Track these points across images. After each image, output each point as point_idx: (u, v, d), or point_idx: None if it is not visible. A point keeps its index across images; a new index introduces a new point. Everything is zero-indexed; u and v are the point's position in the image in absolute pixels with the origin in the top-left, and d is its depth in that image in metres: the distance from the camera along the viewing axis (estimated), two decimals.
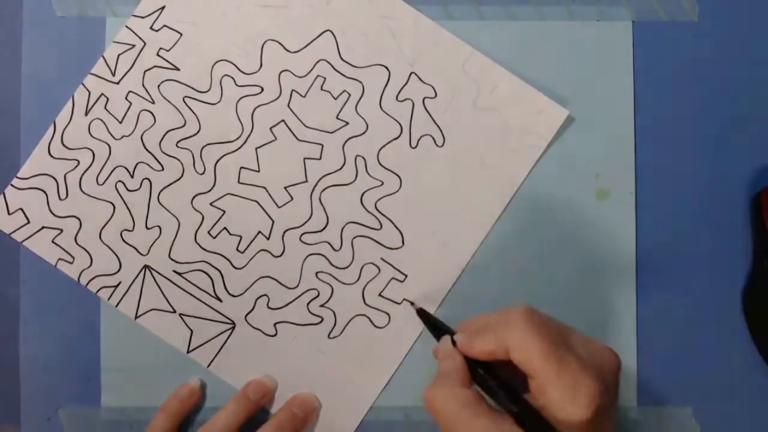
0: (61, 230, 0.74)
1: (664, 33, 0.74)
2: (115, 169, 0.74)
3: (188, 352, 0.74)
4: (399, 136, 0.73)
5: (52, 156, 0.74)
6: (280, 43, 0.74)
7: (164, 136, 0.74)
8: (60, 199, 0.74)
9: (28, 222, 0.74)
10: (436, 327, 0.69)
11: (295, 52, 0.74)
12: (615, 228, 0.74)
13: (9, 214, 0.74)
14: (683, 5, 0.74)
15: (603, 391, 0.58)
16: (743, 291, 0.73)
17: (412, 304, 0.73)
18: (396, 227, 0.73)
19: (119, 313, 0.74)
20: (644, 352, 0.73)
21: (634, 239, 0.73)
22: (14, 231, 0.74)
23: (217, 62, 0.74)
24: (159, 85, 0.74)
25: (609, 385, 0.60)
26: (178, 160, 0.74)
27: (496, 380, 0.63)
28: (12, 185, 0.74)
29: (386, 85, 0.73)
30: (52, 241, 0.74)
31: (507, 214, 0.74)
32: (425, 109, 0.73)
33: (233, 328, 0.74)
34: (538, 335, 0.60)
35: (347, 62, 0.73)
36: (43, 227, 0.74)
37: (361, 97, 0.73)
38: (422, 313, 0.71)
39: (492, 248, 0.74)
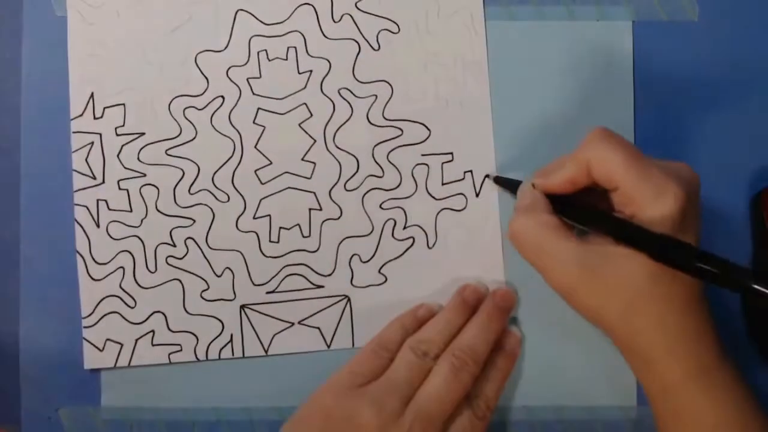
0: (154, 332, 0.74)
1: (664, 33, 0.74)
2: (157, 249, 0.74)
3: (329, 347, 0.74)
4: None
5: (95, 279, 0.74)
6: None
7: (174, 194, 0.74)
8: (131, 307, 0.74)
9: (121, 345, 0.74)
10: (515, 186, 0.71)
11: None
12: None
13: (101, 351, 0.74)
14: (683, 5, 0.74)
15: (686, 195, 0.60)
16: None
17: (487, 176, 0.74)
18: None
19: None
20: None
21: None
22: (117, 360, 0.74)
23: (172, 101, 0.74)
24: (138, 157, 0.74)
25: (691, 192, 0.61)
26: (202, 204, 0.74)
27: (580, 207, 0.65)
28: (84, 326, 0.74)
29: None
30: (152, 344, 0.74)
31: (507, 214, 0.74)
32: None
33: (348, 298, 0.74)
34: (618, 146, 0.62)
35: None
36: (135, 340, 0.74)
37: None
38: (499, 180, 0.73)
39: None
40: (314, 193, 0.74)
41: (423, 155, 0.74)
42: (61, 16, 0.75)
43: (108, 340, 0.74)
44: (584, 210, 0.64)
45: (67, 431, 0.74)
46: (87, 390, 0.74)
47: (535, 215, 0.64)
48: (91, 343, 0.74)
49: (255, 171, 0.74)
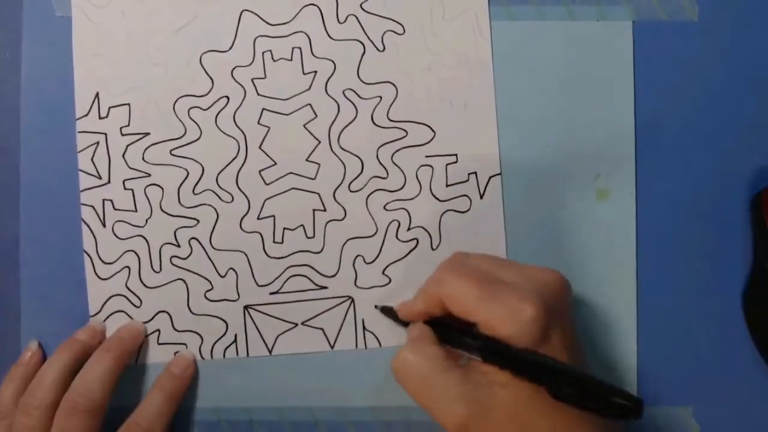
0: (159, 332, 0.74)
1: (664, 33, 0.74)
2: (161, 249, 0.74)
3: (333, 347, 0.74)
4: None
5: (102, 278, 0.74)
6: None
7: (178, 195, 0.74)
8: (137, 306, 0.74)
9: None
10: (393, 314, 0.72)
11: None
12: (615, 228, 0.73)
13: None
14: (683, 5, 0.74)
15: (544, 311, 0.59)
16: (743, 291, 0.73)
17: (375, 307, 0.74)
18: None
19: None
20: (644, 352, 0.72)
21: (634, 239, 0.73)
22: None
23: (177, 101, 0.74)
24: (143, 157, 0.74)
25: (551, 303, 0.61)
26: (206, 205, 0.74)
27: (456, 329, 0.64)
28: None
29: None
30: (158, 343, 0.74)
31: (511, 216, 0.74)
32: None
33: (352, 299, 0.74)
34: (466, 279, 0.62)
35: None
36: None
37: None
38: (385, 310, 0.73)
39: None
40: (318, 194, 0.74)
41: (427, 157, 0.74)
42: (61, 16, 0.74)
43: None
44: (457, 332, 0.64)
45: None
46: None
47: (419, 348, 0.64)
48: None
49: (259, 171, 0.74)
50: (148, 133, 0.74)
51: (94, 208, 0.74)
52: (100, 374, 0.69)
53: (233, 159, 0.74)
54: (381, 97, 0.74)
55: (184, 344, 0.74)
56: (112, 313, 0.74)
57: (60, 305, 0.73)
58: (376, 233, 0.74)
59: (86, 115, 0.74)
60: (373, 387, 0.74)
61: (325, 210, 0.74)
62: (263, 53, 0.74)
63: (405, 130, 0.74)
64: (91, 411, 0.67)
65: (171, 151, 0.74)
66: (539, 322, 0.59)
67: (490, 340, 0.60)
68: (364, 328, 0.74)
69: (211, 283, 0.74)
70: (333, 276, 0.74)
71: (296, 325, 0.74)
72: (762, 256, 0.71)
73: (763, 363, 0.72)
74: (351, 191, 0.74)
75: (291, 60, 0.74)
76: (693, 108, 0.74)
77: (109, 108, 0.74)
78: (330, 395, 0.74)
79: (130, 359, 0.72)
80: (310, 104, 0.74)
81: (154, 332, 0.74)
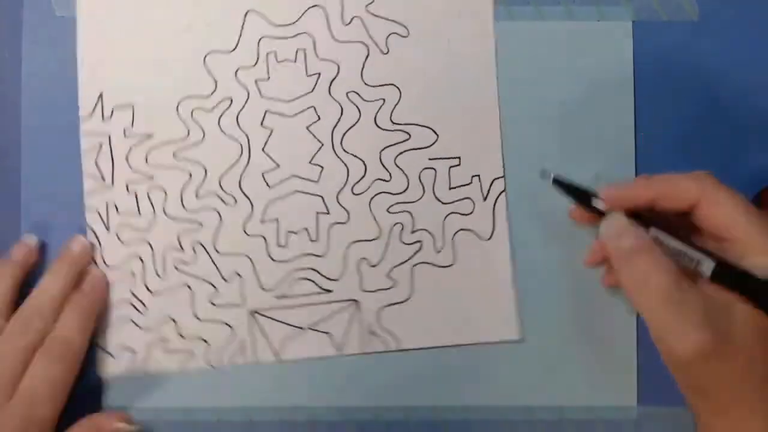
0: (166, 339, 0.74)
1: (664, 33, 0.74)
2: (165, 253, 0.74)
3: (340, 351, 0.74)
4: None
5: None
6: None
7: (182, 198, 0.74)
8: (142, 313, 0.74)
9: (134, 352, 0.74)
10: (579, 191, 0.66)
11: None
12: None
13: (114, 357, 0.74)
14: (683, 5, 0.74)
15: None
16: None
17: (544, 172, 0.67)
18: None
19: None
20: (644, 352, 0.73)
21: None
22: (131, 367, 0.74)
23: (180, 102, 0.74)
24: (146, 159, 0.74)
25: None
26: (209, 208, 0.74)
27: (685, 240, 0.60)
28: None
29: None
30: (164, 351, 0.74)
31: (514, 217, 0.74)
32: None
33: (357, 303, 0.74)
34: (737, 196, 0.59)
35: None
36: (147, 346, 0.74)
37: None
38: (561, 184, 0.67)
39: None
40: (322, 196, 0.74)
41: (430, 159, 0.74)
42: (61, 16, 0.74)
43: (120, 346, 0.73)
44: (689, 244, 0.60)
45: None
46: (87, 390, 0.74)
47: (660, 262, 0.58)
48: (104, 350, 0.73)
49: (262, 174, 0.74)
50: (152, 135, 0.74)
51: (99, 213, 0.73)
52: (49, 295, 0.70)
53: (236, 161, 0.74)
54: (384, 100, 0.74)
55: (191, 352, 0.73)
56: (117, 320, 0.73)
57: None
58: (379, 236, 0.74)
59: (90, 117, 0.73)
60: (374, 387, 0.74)
61: (328, 213, 0.74)
62: (267, 54, 0.74)
63: (408, 133, 0.74)
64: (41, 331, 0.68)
65: (174, 153, 0.73)
66: None
67: (729, 265, 0.58)
68: (370, 331, 0.74)
69: (216, 288, 0.74)
70: (337, 279, 0.74)
71: (303, 329, 0.74)
72: None
73: None
74: (354, 194, 0.74)
75: (295, 62, 0.74)
76: (693, 108, 0.74)
77: (113, 109, 0.73)
78: (331, 396, 0.74)
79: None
80: (313, 106, 0.74)
81: (160, 340, 0.73)
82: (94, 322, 0.71)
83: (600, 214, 0.64)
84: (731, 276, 0.57)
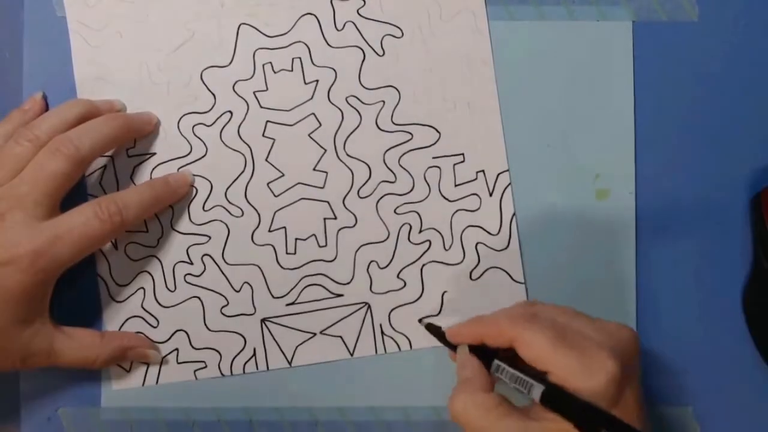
0: (178, 351, 0.74)
1: (664, 33, 0.74)
2: (175, 267, 0.74)
3: (352, 354, 0.75)
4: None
5: (117, 301, 0.74)
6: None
7: (189, 212, 0.74)
8: (153, 327, 0.74)
9: (147, 365, 0.75)
10: (439, 333, 0.71)
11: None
12: (615, 228, 0.74)
13: (128, 371, 0.74)
14: (683, 5, 0.74)
15: (622, 370, 0.59)
16: (743, 290, 0.74)
17: (420, 321, 0.74)
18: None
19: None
20: (644, 351, 0.74)
21: (634, 239, 0.74)
22: (144, 380, 0.75)
23: (181, 119, 0.74)
24: (151, 177, 0.74)
25: (627, 363, 0.60)
26: (216, 221, 0.74)
27: (517, 368, 0.63)
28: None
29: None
30: (177, 362, 0.75)
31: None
32: None
33: (368, 305, 0.75)
34: (542, 327, 0.61)
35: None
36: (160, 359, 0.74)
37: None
38: (431, 328, 0.72)
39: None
40: (328, 202, 0.74)
41: (434, 158, 0.74)
42: (62, 17, 0.74)
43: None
44: (521, 370, 0.63)
45: (67, 431, 0.74)
46: (87, 390, 0.75)
47: (473, 394, 0.62)
48: (118, 364, 0.74)
49: (267, 184, 0.74)
50: (155, 153, 0.74)
51: None
52: (96, 131, 0.69)
53: (241, 173, 0.74)
54: (384, 102, 0.74)
55: (203, 362, 0.74)
56: None
57: (58, 304, 0.72)
58: (388, 238, 0.75)
59: None
60: (374, 387, 0.75)
61: (335, 218, 0.74)
62: (263, 65, 0.74)
63: (410, 133, 0.74)
64: (74, 158, 0.66)
65: (178, 169, 0.74)
66: (617, 381, 0.58)
67: (557, 389, 0.59)
68: (382, 333, 0.75)
69: (226, 298, 0.74)
70: (348, 283, 0.75)
71: (314, 334, 0.75)
72: (762, 255, 0.72)
73: (763, 363, 0.74)
74: (360, 197, 0.74)
75: (292, 71, 0.74)
76: (693, 108, 0.74)
77: None
78: (331, 396, 0.75)
79: (132, 136, 0.73)
80: (313, 113, 0.74)
81: (172, 352, 0.74)
82: (156, 211, 0.73)
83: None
84: (558, 399, 0.59)
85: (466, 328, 0.67)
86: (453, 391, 0.63)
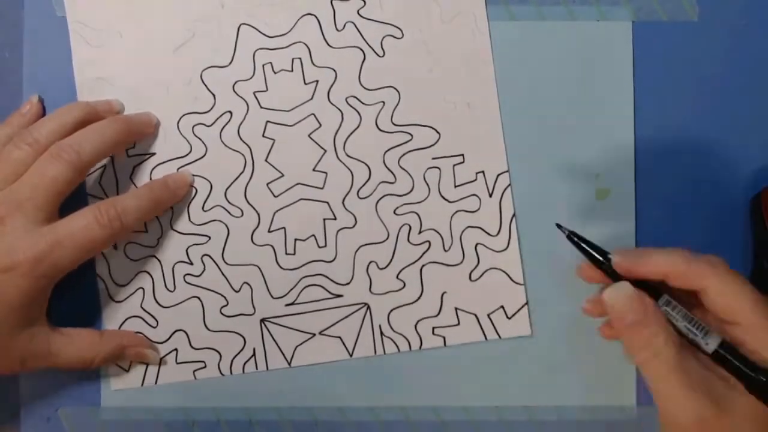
0: (177, 351, 0.75)
1: (664, 33, 0.74)
2: (174, 267, 0.74)
3: (352, 355, 0.75)
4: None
5: (116, 301, 0.75)
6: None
7: (188, 212, 0.74)
8: (153, 326, 0.75)
9: (147, 364, 0.75)
10: (591, 251, 0.65)
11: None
12: (615, 228, 0.74)
13: (127, 371, 0.75)
14: (683, 5, 0.74)
15: None
16: None
17: (560, 227, 0.68)
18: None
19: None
20: None
21: (634, 239, 0.74)
22: (143, 380, 0.75)
23: (180, 119, 0.74)
24: (150, 177, 0.75)
25: None
26: (216, 221, 0.74)
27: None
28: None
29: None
30: (176, 362, 0.75)
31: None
32: None
33: (367, 306, 0.75)
34: (746, 283, 0.60)
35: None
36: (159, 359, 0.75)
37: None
38: (574, 238, 0.67)
39: None
40: (327, 202, 0.74)
41: (434, 159, 0.74)
42: (62, 17, 0.74)
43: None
44: (694, 323, 0.61)
45: (67, 431, 0.74)
46: (87, 390, 0.75)
47: (666, 333, 0.60)
48: (117, 364, 0.74)
49: (267, 184, 0.74)
50: (154, 153, 0.74)
51: None
52: (97, 136, 0.69)
53: (240, 173, 0.74)
54: (384, 102, 0.74)
55: (203, 362, 0.74)
56: None
57: (58, 304, 0.72)
58: (387, 238, 0.74)
59: None
60: (374, 387, 0.75)
61: (335, 218, 0.74)
62: (263, 66, 0.74)
63: (410, 134, 0.74)
64: (75, 165, 0.67)
65: (178, 169, 0.74)
66: None
67: (739, 354, 0.59)
68: (381, 333, 0.74)
69: (226, 298, 0.74)
70: (347, 284, 0.75)
71: (314, 335, 0.74)
72: (762, 256, 0.71)
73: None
74: (360, 198, 0.74)
75: (292, 71, 0.74)
76: (693, 108, 0.74)
77: None
78: (331, 396, 0.75)
79: (133, 139, 0.73)
80: (313, 114, 0.74)
81: (171, 352, 0.74)
82: (156, 214, 0.73)
83: (608, 275, 0.65)
84: (732, 358, 0.59)
85: (647, 264, 0.62)
86: (621, 330, 0.62)
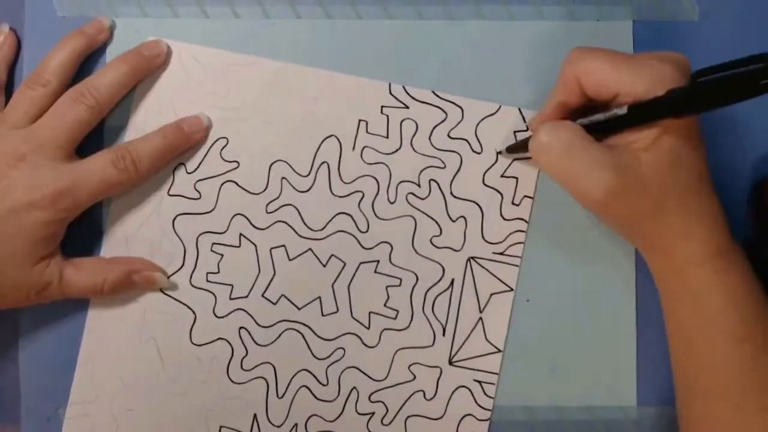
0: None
1: (664, 33, 0.75)
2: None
3: None
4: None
5: None
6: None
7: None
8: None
9: None
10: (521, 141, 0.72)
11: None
12: None
13: None
14: (683, 5, 0.74)
15: (682, 76, 0.62)
16: None
17: (499, 153, 0.75)
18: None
19: None
20: (644, 351, 0.74)
21: None
22: None
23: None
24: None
25: (686, 73, 0.63)
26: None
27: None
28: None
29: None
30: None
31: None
32: None
33: None
34: (601, 52, 0.65)
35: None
36: None
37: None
38: (510, 148, 0.74)
39: None
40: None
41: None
42: (62, 17, 0.75)
43: None
44: (594, 114, 0.65)
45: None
46: None
47: (558, 126, 0.64)
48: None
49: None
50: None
51: None
52: (110, 78, 0.71)
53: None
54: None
55: None
56: None
57: (59, 304, 0.73)
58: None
59: None
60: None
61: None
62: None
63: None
64: (93, 108, 0.70)
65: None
66: (678, 82, 0.61)
67: (638, 103, 0.62)
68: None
69: None
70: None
71: None
72: (763, 244, 0.71)
73: None
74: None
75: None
76: None
77: None
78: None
79: (145, 75, 0.74)
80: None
81: None
82: (172, 158, 0.74)
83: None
84: (643, 107, 0.62)
85: (548, 103, 0.69)
86: (531, 149, 0.66)
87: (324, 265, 0.74)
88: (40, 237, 0.68)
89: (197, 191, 0.74)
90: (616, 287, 0.74)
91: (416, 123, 0.74)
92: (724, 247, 0.64)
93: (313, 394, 0.73)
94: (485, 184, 0.74)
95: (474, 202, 0.74)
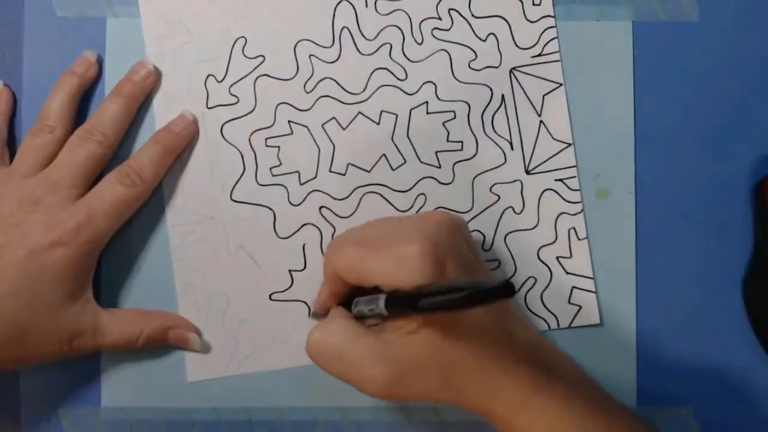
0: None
1: (664, 33, 0.74)
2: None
3: None
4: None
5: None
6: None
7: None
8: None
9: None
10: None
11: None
12: (615, 228, 0.74)
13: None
14: (683, 5, 0.74)
15: (430, 245, 0.61)
16: (743, 278, 0.73)
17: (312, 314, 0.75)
18: None
19: None
20: (644, 351, 0.73)
21: (634, 239, 0.74)
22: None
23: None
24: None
25: (439, 237, 0.62)
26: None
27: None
28: None
29: None
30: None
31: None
32: None
33: None
34: (348, 245, 0.65)
35: None
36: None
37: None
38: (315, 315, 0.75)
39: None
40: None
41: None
42: (62, 17, 0.75)
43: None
44: (362, 301, 0.65)
45: (66, 431, 0.74)
46: (87, 390, 0.74)
47: (326, 324, 0.65)
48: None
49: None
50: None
51: None
52: (111, 112, 0.72)
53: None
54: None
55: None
56: None
57: None
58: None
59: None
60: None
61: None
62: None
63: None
64: (102, 142, 0.71)
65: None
66: (427, 256, 0.60)
67: (391, 293, 0.60)
68: None
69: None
70: None
71: None
72: (763, 243, 0.71)
73: (764, 362, 0.73)
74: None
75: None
76: (693, 108, 0.74)
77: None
78: (331, 396, 0.74)
79: (142, 98, 0.74)
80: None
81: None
82: (171, 161, 0.74)
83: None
84: (397, 302, 0.59)
85: (319, 294, 0.71)
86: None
87: (378, 123, 0.75)
88: (67, 275, 0.68)
89: (234, 95, 0.75)
90: (615, 286, 0.74)
91: None
92: (540, 385, 0.63)
93: None
94: None
95: (497, 16, 0.75)
